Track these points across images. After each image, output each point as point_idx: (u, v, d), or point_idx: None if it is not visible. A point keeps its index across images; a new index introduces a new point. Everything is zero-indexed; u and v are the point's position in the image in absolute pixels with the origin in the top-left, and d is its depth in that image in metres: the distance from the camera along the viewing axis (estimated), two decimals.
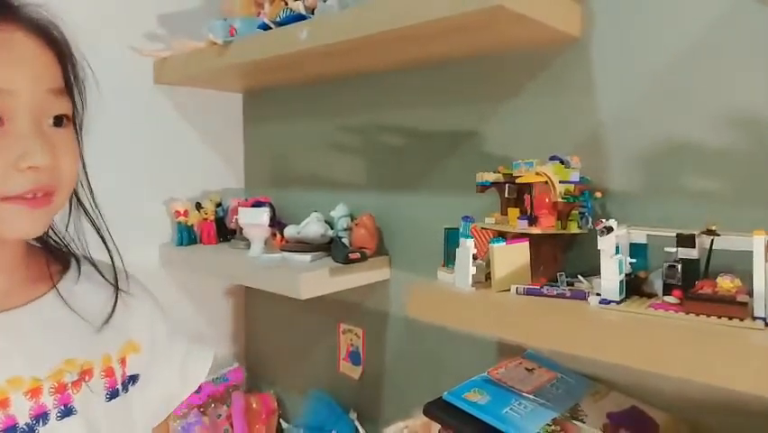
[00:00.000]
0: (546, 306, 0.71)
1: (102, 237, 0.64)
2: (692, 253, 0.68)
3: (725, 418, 0.76)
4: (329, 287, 1.05)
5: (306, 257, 1.12)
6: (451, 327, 0.88)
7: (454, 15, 0.72)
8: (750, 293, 0.61)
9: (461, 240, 0.80)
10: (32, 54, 0.51)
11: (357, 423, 1.23)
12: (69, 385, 0.56)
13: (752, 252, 0.61)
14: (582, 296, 0.71)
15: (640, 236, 0.74)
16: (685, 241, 0.67)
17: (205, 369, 0.74)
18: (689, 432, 0.75)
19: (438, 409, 0.77)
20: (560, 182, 0.79)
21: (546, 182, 0.78)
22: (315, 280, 1.03)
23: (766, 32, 0.72)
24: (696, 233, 0.67)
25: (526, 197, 0.82)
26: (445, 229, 0.90)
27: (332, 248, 1.13)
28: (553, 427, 0.72)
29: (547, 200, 0.79)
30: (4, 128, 0.50)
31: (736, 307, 0.60)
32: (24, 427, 0.52)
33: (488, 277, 0.80)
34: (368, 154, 1.23)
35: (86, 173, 0.61)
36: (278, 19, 1.06)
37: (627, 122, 0.84)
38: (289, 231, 1.20)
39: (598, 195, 0.81)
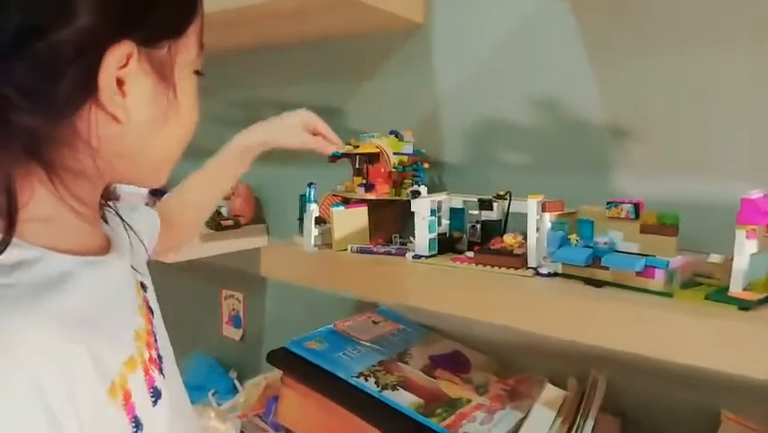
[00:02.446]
0: (373, 262, 0.80)
1: None
2: (491, 215, 0.79)
3: (523, 354, 0.89)
4: (199, 252, 1.11)
5: None
6: (306, 286, 0.96)
7: None
8: None
9: (307, 204, 0.88)
10: None
11: (236, 381, 1.30)
12: None
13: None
14: (404, 253, 0.81)
15: (457, 202, 0.85)
16: (484, 204, 0.79)
17: None
18: (497, 367, 0.88)
19: (280, 357, 0.85)
20: (394, 154, 0.88)
21: (380, 153, 0.87)
22: None
23: (569, 28, 0.83)
24: (492, 197, 0.78)
25: (366, 166, 0.91)
26: (300, 196, 0.97)
27: None
28: (377, 367, 0.82)
29: (383, 170, 0.89)
30: None
31: (513, 258, 0.71)
32: None
33: None
34: (246, 126, 1.28)
35: None
36: None
37: (458, 101, 0.94)
38: None
39: (426, 166, 0.91)
